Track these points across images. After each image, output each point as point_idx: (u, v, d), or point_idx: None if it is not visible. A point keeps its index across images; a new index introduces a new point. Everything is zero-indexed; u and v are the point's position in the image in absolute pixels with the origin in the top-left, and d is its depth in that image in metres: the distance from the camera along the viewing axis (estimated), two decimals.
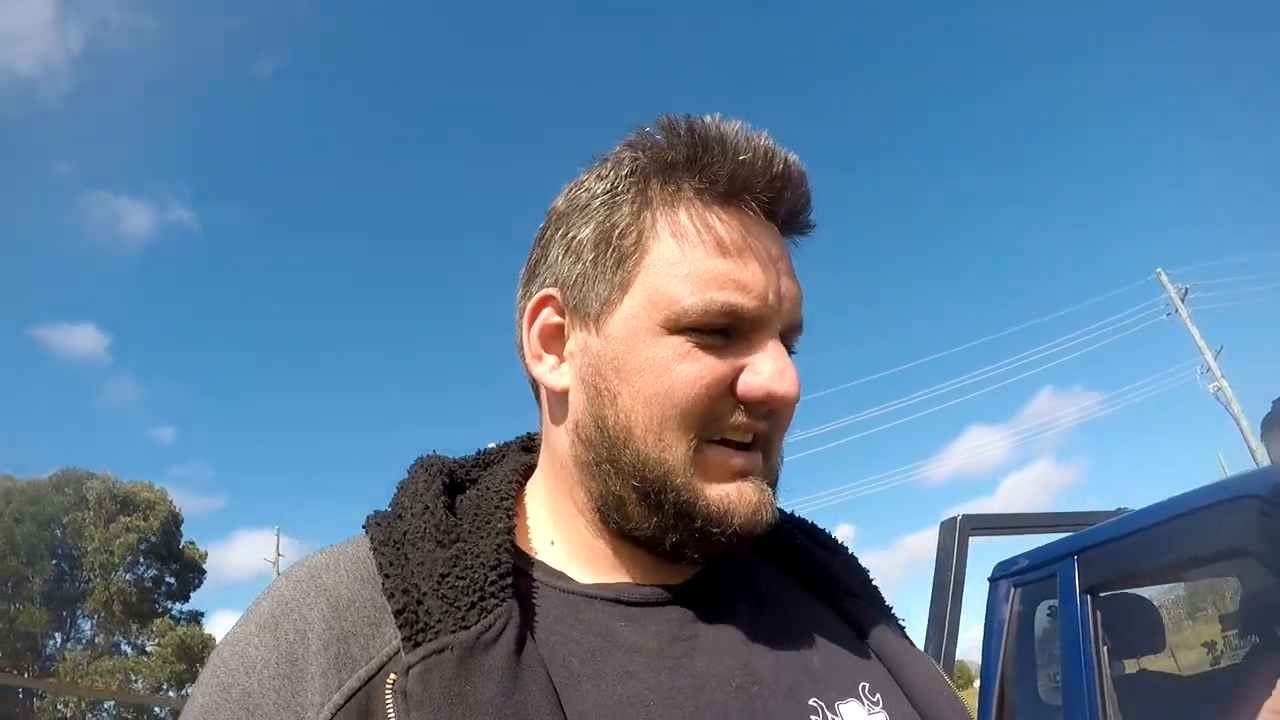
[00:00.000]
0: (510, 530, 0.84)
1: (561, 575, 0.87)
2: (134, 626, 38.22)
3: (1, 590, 36.35)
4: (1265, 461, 2.53)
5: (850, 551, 1.08)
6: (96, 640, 37.96)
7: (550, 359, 0.91)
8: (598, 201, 0.89)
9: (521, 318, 0.93)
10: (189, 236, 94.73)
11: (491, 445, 1.04)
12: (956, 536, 4.43)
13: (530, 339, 0.92)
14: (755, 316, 0.83)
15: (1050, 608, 3.70)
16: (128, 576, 38.33)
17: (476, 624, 0.73)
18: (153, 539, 38.78)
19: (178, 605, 40.53)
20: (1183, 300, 29.46)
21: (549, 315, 0.91)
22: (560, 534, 0.91)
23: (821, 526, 1.11)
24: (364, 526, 0.85)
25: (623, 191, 0.88)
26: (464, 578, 0.76)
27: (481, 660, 0.71)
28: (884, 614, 1.00)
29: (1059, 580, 3.51)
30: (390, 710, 0.70)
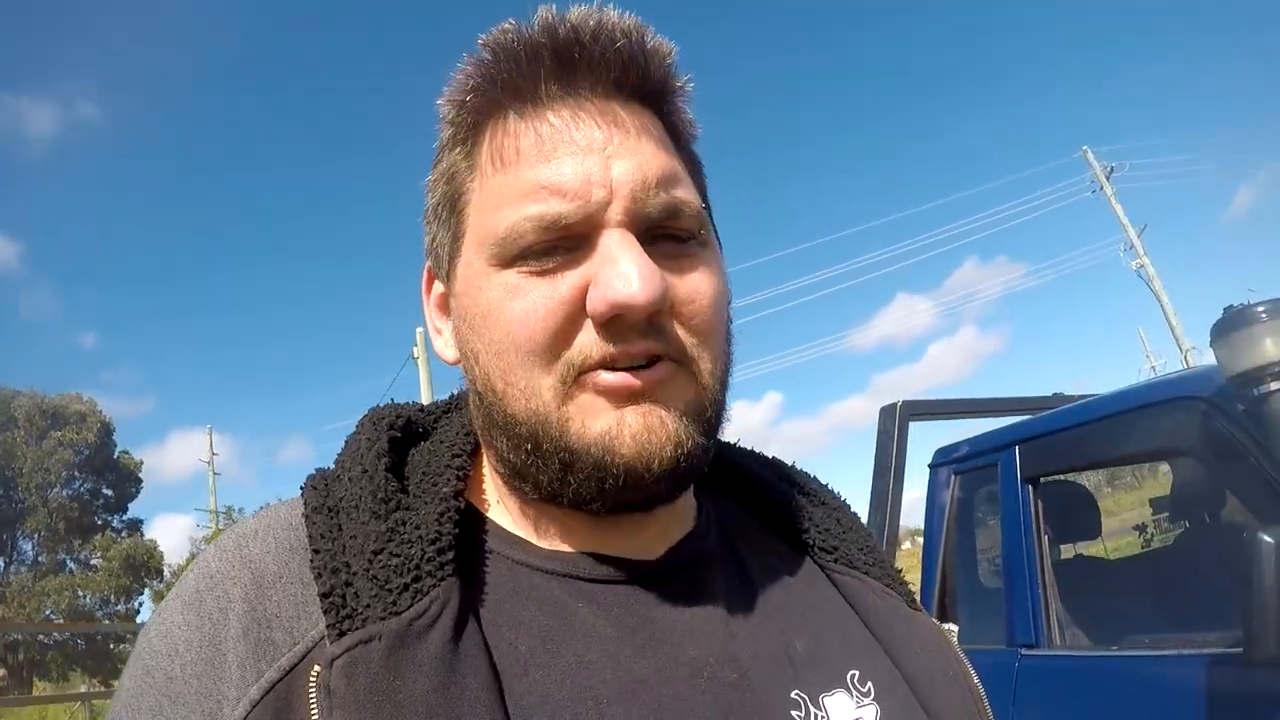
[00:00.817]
0: (459, 494, 0.75)
1: (519, 542, 0.78)
2: (76, 543, 37.96)
3: None
4: (1194, 360, 2.58)
5: (852, 510, 0.98)
6: (40, 560, 37.71)
7: (446, 330, 0.84)
8: (439, 155, 0.82)
9: (422, 298, 0.88)
10: (96, 133, 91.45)
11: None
12: (897, 422, 4.51)
13: (430, 312, 0.86)
14: (582, 217, 0.70)
15: (990, 493, 3.80)
16: (65, 493, 37.94)
17: (409, 609, 0.65)
18: (87, 452, 38.32)
19: (117, 517, 40.32)
20: (1108, 178, 29.81)
21: (437, 286, 0.85)
22: (508, 497, 0.81)
23: (825, 482, 1.01)
24: (301, 487, 0.76)
25: (446, 131, 0.80)
26: (398, 554, 0.67)
27: (414, 650, 0.63)
28: (885, 583, 0.90)
29: (1000, 469, 3.61)
30: (313, 707, 0.63)
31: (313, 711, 0.63)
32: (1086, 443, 3.32)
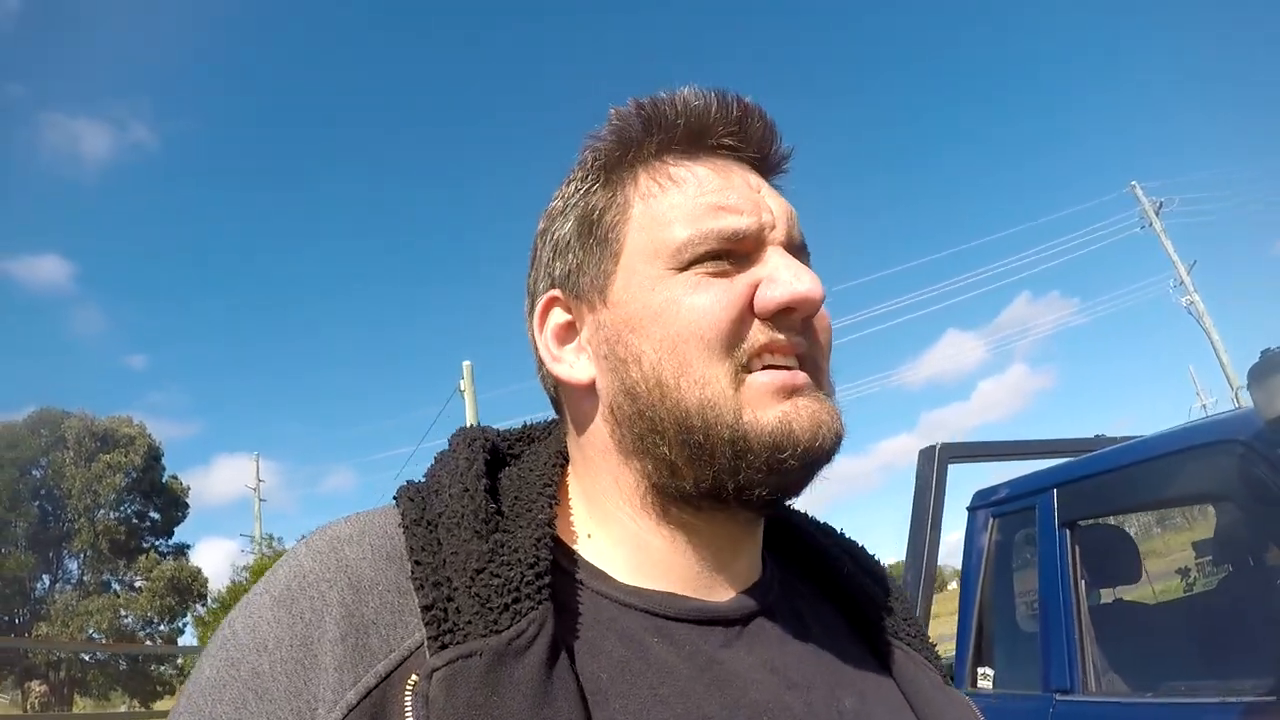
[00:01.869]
0: (551, 521, 0.78)
1: (601, 574, 0.82)
2: (121, 564, 38.33)
3: None
4: (1245, 398, 2.57)
5: (897, 584, 1.03)
6: (85, 579, 38.09)
7: (568, 355, 0.88)
8: (572, 200, 0.90)
9: (533, 333, 0.92)
10: (150, 156, 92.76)
11: (534, 421, 1.00)
12: (935, 464, 4.49)
13: (546, 344, 0.90)
14: (752, 233, 0.82)
15: (1028, 536, 3.77)
16: (112, 515, 38.35)
17: (509, 628, 0.67)
18: (134, 475, 38.72)
19: (162, 541, 40.66)
20: (1157, 214, 29.43)
21: (558, 315, 0.90)
22: (600, 528, 0.86)
23: (859, 543, 1.07)
24: (395, 497, 0.80)
25: (593, 181, 0.89)
26: (499, 575, 0.70)
27: (511, 669, 0.66)
28: (925, 659, 0.95)
29: (1038, 512, 3.58)
30: (408, 715, 0.65)
31: (407, 717, 0.65)
32: (1125, 486, 3.30)
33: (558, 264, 0.90)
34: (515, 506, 0.79)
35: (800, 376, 0.80)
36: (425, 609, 0.69)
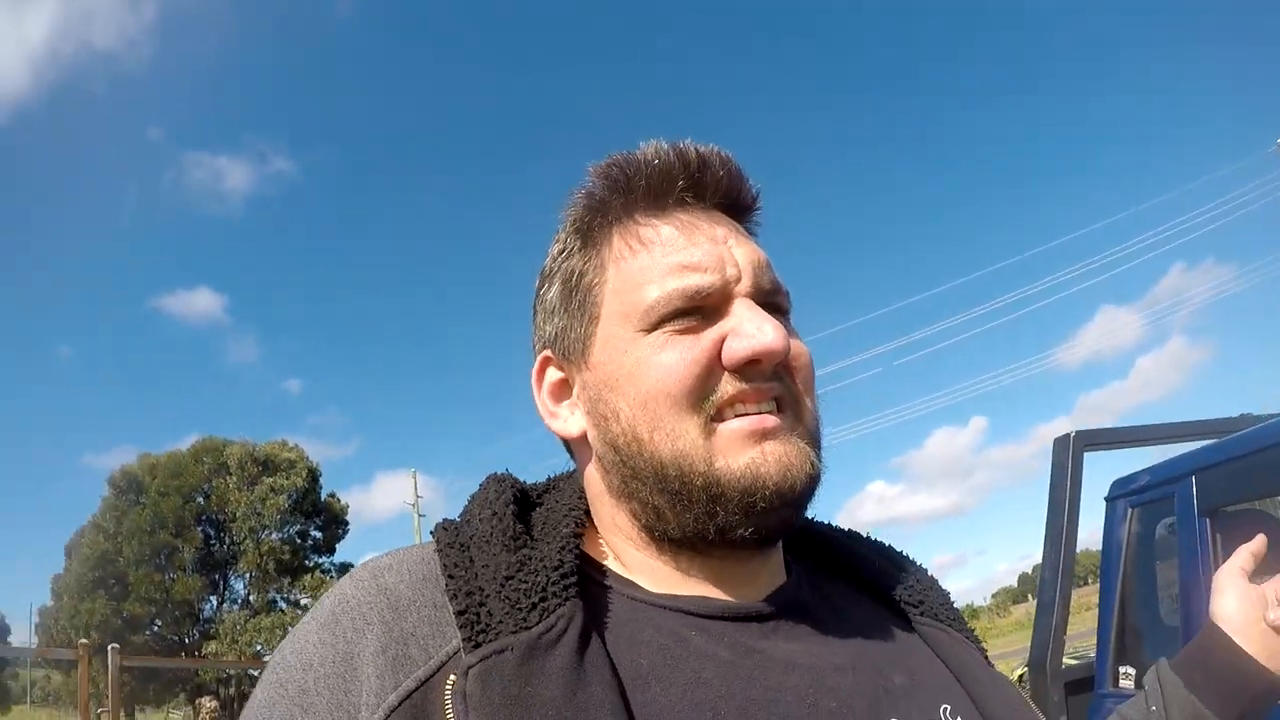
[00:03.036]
0: (577, 535, 0.84)
1: (631, 584, 0.86)
2: (286, 583, 39.90)
3: (156, 562, 38.25)
4: None
5: (930, 574, 1.06)
6: (251, 599, 39.75)
7: (563, 411, 0.94)
8: (556, 262, 0.95)
9: (534, 388, 0.97)
10: (291, 185, 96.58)
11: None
12: (1071, 453, 4.31)
13: (543, 400, 0.95)
14: (717, 289, 0.85)
15: (1169, 526, 3.57)
16: (276, 536, 39.96)
17: (538, 624, 0.72)
18: (296, 496, 40.25)
19: (325, 558, 42.14)
20: None
21: (552, 374, 0.95)
22: (619, 555, 0.90)
23: (900, 550, 1.10)
24: (431, 532, 0.86)
25: (571, 244, 0.94)
26: (527, 580, 0.75)
27: (543, 661, 0.70)
28: (966, 638, 0.98)
29: (1177, 499, 3.40)
30: (449, 712, 0.69)
31: (449, 714, 0.69)
32: (1269, 469, 3.07)
33: (548, 325, 0.95)
34: (544, 530, 0.84)
35: (770, 421, 0.83)
36: (459, 614, 0.74)
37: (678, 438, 0.82)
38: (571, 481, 0.97)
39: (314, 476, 41.88)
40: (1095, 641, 3.86)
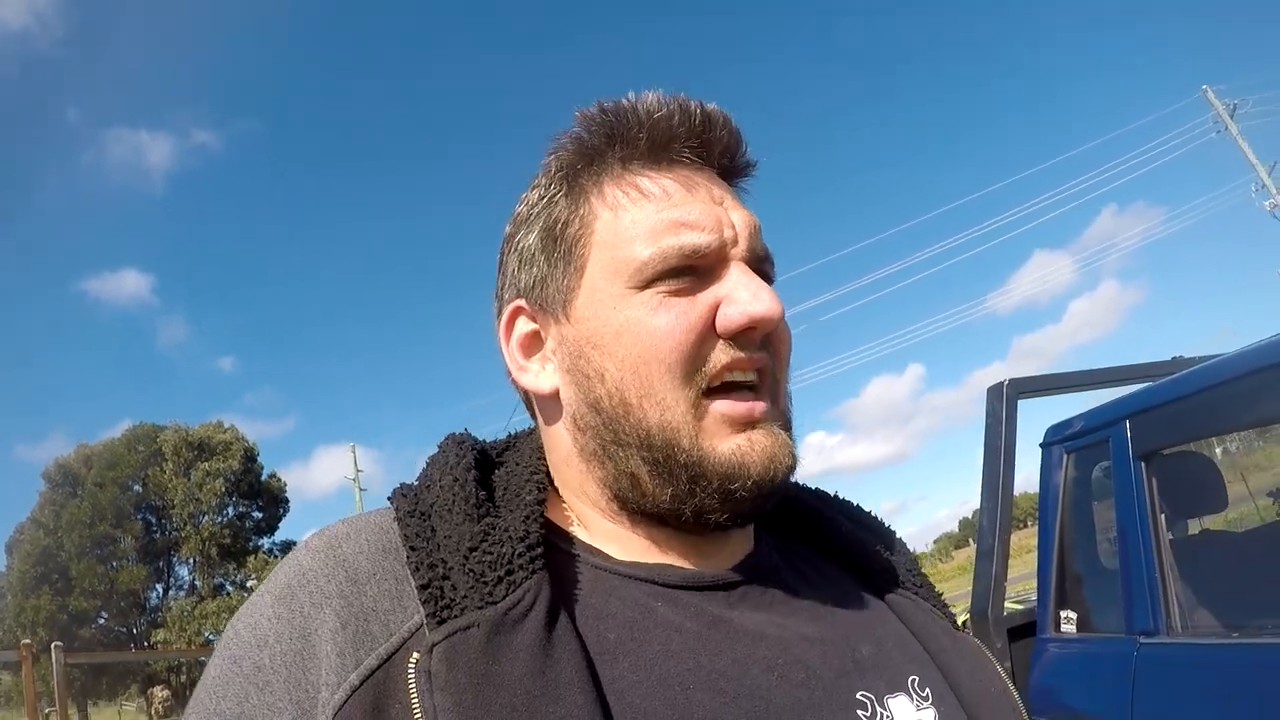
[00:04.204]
0: (541, 503, 0.81)
1: (598, 551, 0.84)
2: (231, 567, 39.63)
3: (98, 554, 37.76)
4: None
5: (898, 535, 1.06)
6: (197, 585, 39.39)
7: (534, 365, 0.90)
8: (536, 209, 0.90)
9: (500, 339, 0.93)
10: (213, 159, 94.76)
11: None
12: (1005, 401, 4.33)
13: (512, 352, 0.91)
14: (714, 249, 0.83)
15: (1105, 470, 3.60)
16: (217, 520, 39.62)
17: (504, 599, 0.70)
18: (233, 478, 39.91)
19: (267, 539, 41.87)
20: (1232, 117, 28.46)
21: (523, 324, 0.91)
22: (584, 521, 0.88)
23: (867, 508, 1.09)
24: (389, 498, 0.83)
25: (555, 190, 0.89)
26: (491, 552, 0.73)
27: (510, 637, 0.68)
28: (933, 605, 0.98)
29: (1112, 444, 3.42)
30: (413, 690, 0.67)
31: (413, 694, 0.67)
32: (1203, 411, 3.09)
33: (523, 274, 0.91)
34: (505, 495, 0.81)
35: (759, 408, 0.82)
36: (421, 588, 0.71)
37: (667, 408, 0.80)
38: (531, 440, 0.94)
39: (251, 457, 41.70)
40: (1035, 585, 3.90)
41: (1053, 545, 3.78)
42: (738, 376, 0.82)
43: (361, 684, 0.68)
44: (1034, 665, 3.63)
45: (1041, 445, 4.06)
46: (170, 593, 39.97)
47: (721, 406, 0.81)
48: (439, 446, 0.88)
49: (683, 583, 0.83)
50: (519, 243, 0.91)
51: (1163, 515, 3.16)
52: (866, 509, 1.09)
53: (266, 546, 41.45)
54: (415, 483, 0.84)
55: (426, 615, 0.70)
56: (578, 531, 0.87)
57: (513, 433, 0.99)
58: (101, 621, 38.47)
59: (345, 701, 0.67)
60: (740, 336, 0.82)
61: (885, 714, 0.81)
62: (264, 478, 42.21)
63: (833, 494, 1.09)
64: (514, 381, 0.94)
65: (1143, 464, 3.24)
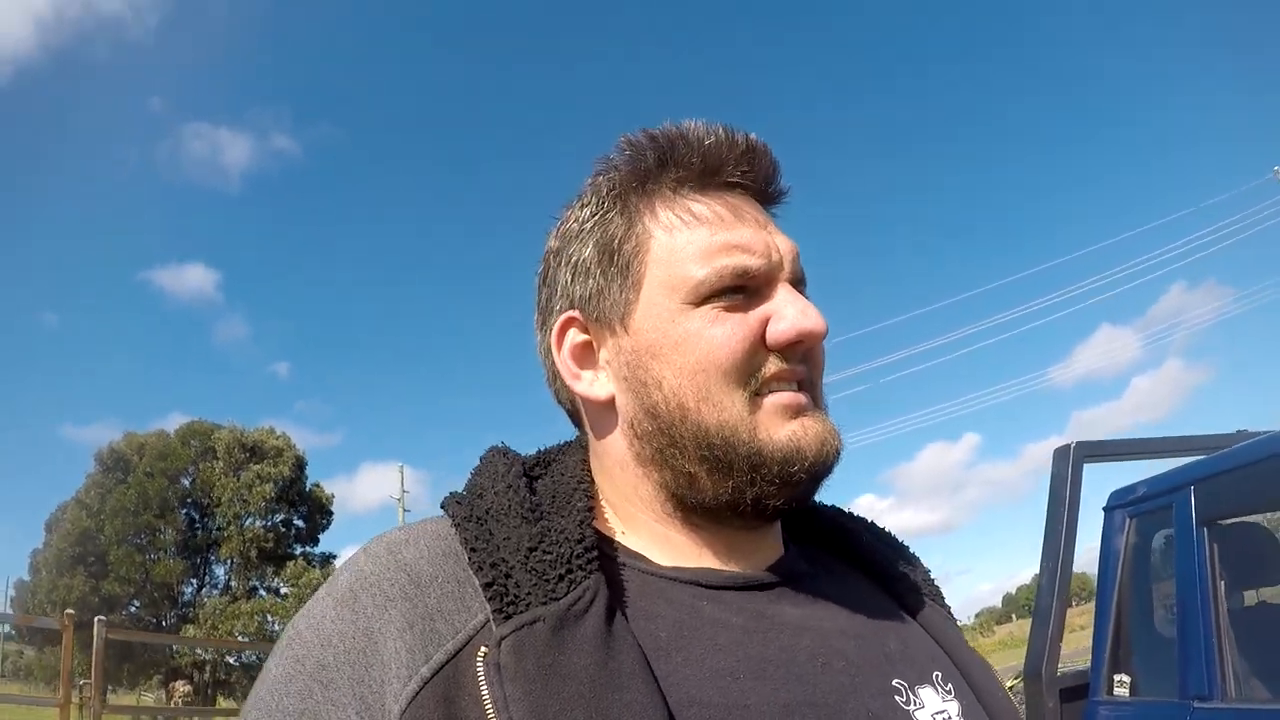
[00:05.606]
0: (590, 509, 0.85)
1: (641, 557, 0.88)
2: (269, 570, 39.63)
3: (137, 542, 37.98)
4: None
5: (912, 550, 1.11)
6: (232, 585, 39.51)
7: (588, 374, 0.94)
8: (589, 225, 0.94)
9: (549, 349, 0.97)
10: (291, 164, 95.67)
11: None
12: (1070, 464, 4.34)
13: (565, 362, 0.95)
14: (764, 271, 0.88)
15: (1166, 538, 3.61)
16: (260, 523, 39.65)
17: (566, 595, 0.74)
18: (282, 484, 39.96)
19: (308, 547, 41.89)
20: None
21: (575, 335, 0.95)
22: (628, 527, 0.92)
23: (884, 526, 1.14)
24: (442, 505, 0.88)
25: (609, 208, 0.94)
26: (550, 552, 0.77)
27: (573, 631, 0.72)
28: (946, 613, 1.04)
29: (1175, 511, 3.43)
30: (482, 683, 0.70)
31: (482, 686, 0.70)
32: (1266, 482, 3.13)
33: (577, 286, 0.95)
34: (554, 503, 0.86)
35: (804, 398, 0.88)
36: (486, 586, 0.75)
37: (724, 409, 0.85)
38: (573, 453, 0.98)
39: (300, 465, 41.46)
40: (1089, 656, 3.89)
41: (1110, 608, 3.78)
42: (783, 386, 0.87)
43: (433, 676, 0.71)
44: None
45: (1105, 509, 4.07)
46: (204, 590, 40.08)
47: (775, 398, 0.86)
48: (481, 459, 0.92)
49: (726, 583, 0.87)
50: (571, 255, 0.95)
51: (1222, 583, 3.18)
52: (883, 526, 1.14)
53: (306, 555, 41.44)
54: (464, 492, 0.88)
55: (492, 611, 0.74)
56: (621, 539, 0.90)
57: (541, 448, 1.02)
58: (133, 609, 38.22)
59: (418, 693, 0.70)
60: (788, 349, 0.87)
61: (917, 701, 0.86)
62: (309, 487, 42.37)
63: (849, 511, 1.14)
64: (560, 391, 0.99)
65: (1205, 531, 3.26)
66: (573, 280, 0.95)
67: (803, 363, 0.89)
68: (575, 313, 0.95)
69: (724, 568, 0.90)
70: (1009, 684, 6.35)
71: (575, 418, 1.01)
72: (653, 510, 0.91)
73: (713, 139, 0.92)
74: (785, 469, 0.85)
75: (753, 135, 0.94)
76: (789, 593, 0.91)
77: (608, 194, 0.94)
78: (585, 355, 0.95)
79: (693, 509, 0.89)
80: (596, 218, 0.94)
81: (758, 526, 0.91)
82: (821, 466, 0.87)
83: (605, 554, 0.84)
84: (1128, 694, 3.48)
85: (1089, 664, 3.95)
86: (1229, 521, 3.36)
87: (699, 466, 0.86)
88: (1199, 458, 3.75)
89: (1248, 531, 3.51)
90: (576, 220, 0.96)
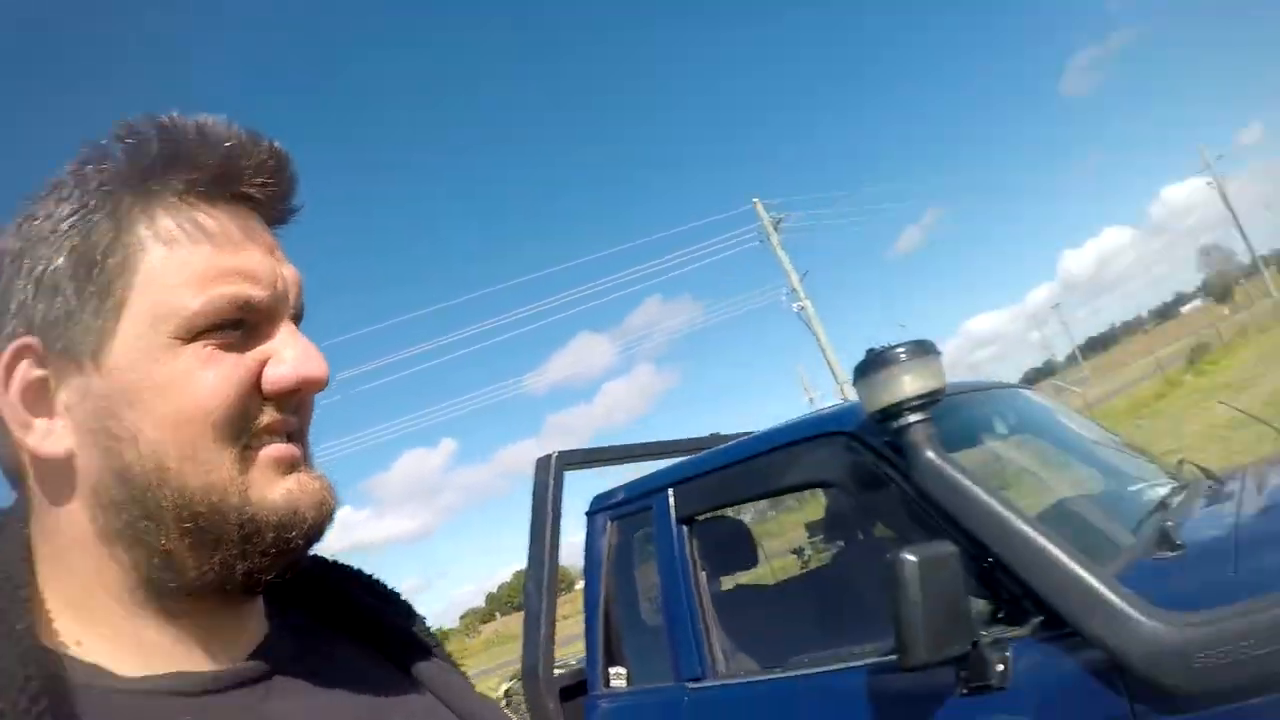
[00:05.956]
0: (32, 630, 0.66)
1: (100, 671, 0.70)
2: None
3: None
4: (851, 394, 2.80)
5: (405, 600, 1.02)
6: None
7: (41, 422, 0.72)
8: (66, 225, 0.73)
9: None
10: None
11: None
12: (552, 473, 4.52)
13: (12, 405, 0.72)
14: (267, 304, 0.76)
15: (647, 535, 3.87)
16: None
17: None
18: None
19: None
20: (775, 228, 32.09)
21: (28, 370, 0.72)
22: (89, 630, 0.73)
23: (375, 575, 1.03)
24: None
25: (96, 207, 0.73)
26: None
27: None
28: (446, 663, 0.98)
29: (654, 511, 3.69)
30: None
31: None
32: (738, 480, 3.47)
33: (40, 304, 0.72)
34: None
35: (296, 450, 0.78)
36: None
37: (211, 469, 0.71)
38: (8, 534, 0.75)
39: None
40: (584, 649, 4.08)
41: (599, 607, 3.97)
42: (271, 440, 0.75)
43: None
44: None
45: (587, 514, 4.28)
46: None
47: (267, 452, 0.75)
48: None
49: (210, 686, 0.73)
50: (37, 265, 0.73)
51: (704, 573, 3.48)
52: (383, 580, 1.03)
53: None
54: None
55: None
56: (77, 651, 0.71)
57: None
58: None
59: None
60: (285, 397, 0.76)
61: None
62: None
63: (351, 566, 1.02)
64: (9, 443, 0.75)
65: (684, 528, 3.55)
66: (35, 295, 0.72)
67: (295, 412, 0.78)
68: (32, 339, 0.72)
69: (204, 665, 0.75)
70: (505, 686, 6.54)
71: (14, 478, 0.77)
72: (120, 602, 0.73)
73: (234, 141, 0.75)
74: (281, 535, 0.73)
75: (278, 143, 0.79)
76: (281, 683, 0.78)
77: (96, 188, 0.73)
78: (39, 397, 0.72)
79: (169, 594, 0.73)
80: (77, 218, 0.72)
81: (242, 603, 0.79)
82: (319, 531, 0.77)
83: (56, 678, 0.66)
84: (625, 684, 3.69)
85: (583, 659, 4.15)
86: (705, 517, 3.67)
87: (179, 541, 0.71)
88: (678, 460, 4.08)
89: (721, 525, 3.89)
90: (50, 218, 0.73)
